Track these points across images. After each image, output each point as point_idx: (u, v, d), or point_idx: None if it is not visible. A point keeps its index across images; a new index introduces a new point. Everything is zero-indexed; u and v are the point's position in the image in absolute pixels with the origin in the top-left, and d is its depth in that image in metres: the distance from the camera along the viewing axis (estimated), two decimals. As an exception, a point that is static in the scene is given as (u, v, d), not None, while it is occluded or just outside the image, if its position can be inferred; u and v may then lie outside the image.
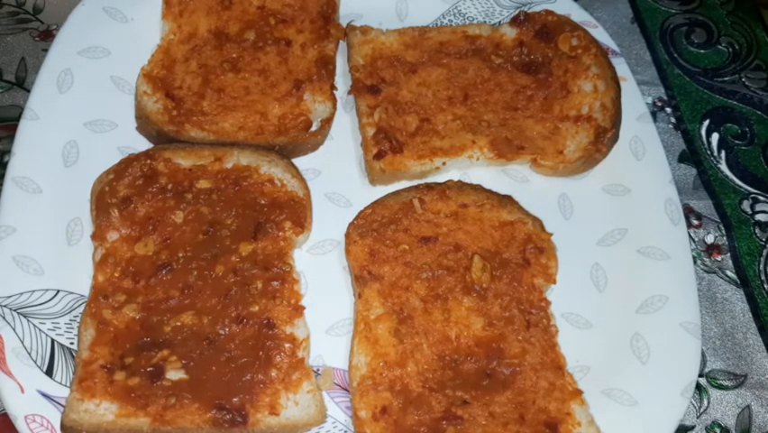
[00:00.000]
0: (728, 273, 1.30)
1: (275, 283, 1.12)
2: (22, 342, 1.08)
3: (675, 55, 1.52)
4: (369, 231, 1.18)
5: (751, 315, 1.26)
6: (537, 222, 1.22)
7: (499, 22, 1.43)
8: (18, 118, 1.26)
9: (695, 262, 1.26)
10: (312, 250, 1.22)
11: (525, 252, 1.18)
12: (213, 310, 1.10)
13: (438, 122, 1.28)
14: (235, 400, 1.04)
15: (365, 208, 1.21)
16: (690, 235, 1.27)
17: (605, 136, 1.27)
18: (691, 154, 1.41)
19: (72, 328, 1.11)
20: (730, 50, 1.53)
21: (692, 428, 1.17)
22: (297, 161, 1.27)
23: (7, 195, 1.18)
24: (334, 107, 1.31)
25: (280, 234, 1.17)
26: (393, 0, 1.45)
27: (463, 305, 1.13)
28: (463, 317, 1.12)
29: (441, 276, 1.15)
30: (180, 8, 1.35)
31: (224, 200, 1.19)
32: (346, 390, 1.11)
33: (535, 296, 1.15)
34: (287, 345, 1.08)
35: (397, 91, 1.31)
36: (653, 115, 1.41)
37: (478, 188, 1.25)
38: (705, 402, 1.19)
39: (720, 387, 1.20)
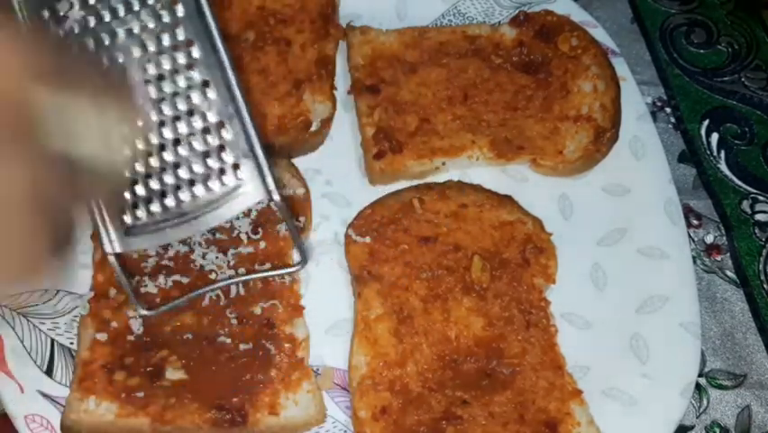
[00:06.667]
0: (728, 273, 1.30)
1: (275, 283, 1.12)
2: (22, 342, 1.08)
3: (675, 55, 1.52)
4: (368, 231, 1.18)
5: (751, 315, 1.26)
6: (537, 222, 1.22)
7: (499, 22, 1.43)
8: (18, 118, 1.26)
9: (695, 262, 1.26)
10: (312, 250, 1.22)
11: (524, 252, 1.18)
12: (212, 310, 1.10)
13: (438, 122, 1.28)
14: (235, 399, 1.04)
15: (365, 208, 1.21)
16: (689, 235, 1.27)
17: (604, 136, 1.27)
18: (691, 154, 1.41)
19: (72, 328, 1.11)
20: (730, 50, 1.53)
21: (692, 427, 1.17)
22: (296, 161, 1.26)
23: (7, 195, 1.18)
24: (334, 107, 1.30)
25: (280, 233, 1.17)
26: (393, 0, 1.44)
27: (463, 305, 1.13)
28: (463, 317, 1.12)
29: (440, 276, 1.15)
30: (180, 8, 1.35)
31: (223, 200, 1.18)
32: (346, 390, 1.11)
33: (535, 296, 1.15)
34: (286, 345, 1.08)
35: (397, 91, 1.31)
36: (653, 114, 1.40)
37: (477, 189, 1.25)
38: (704, 402, 1.19)
39: (720, 387, 1.20)
